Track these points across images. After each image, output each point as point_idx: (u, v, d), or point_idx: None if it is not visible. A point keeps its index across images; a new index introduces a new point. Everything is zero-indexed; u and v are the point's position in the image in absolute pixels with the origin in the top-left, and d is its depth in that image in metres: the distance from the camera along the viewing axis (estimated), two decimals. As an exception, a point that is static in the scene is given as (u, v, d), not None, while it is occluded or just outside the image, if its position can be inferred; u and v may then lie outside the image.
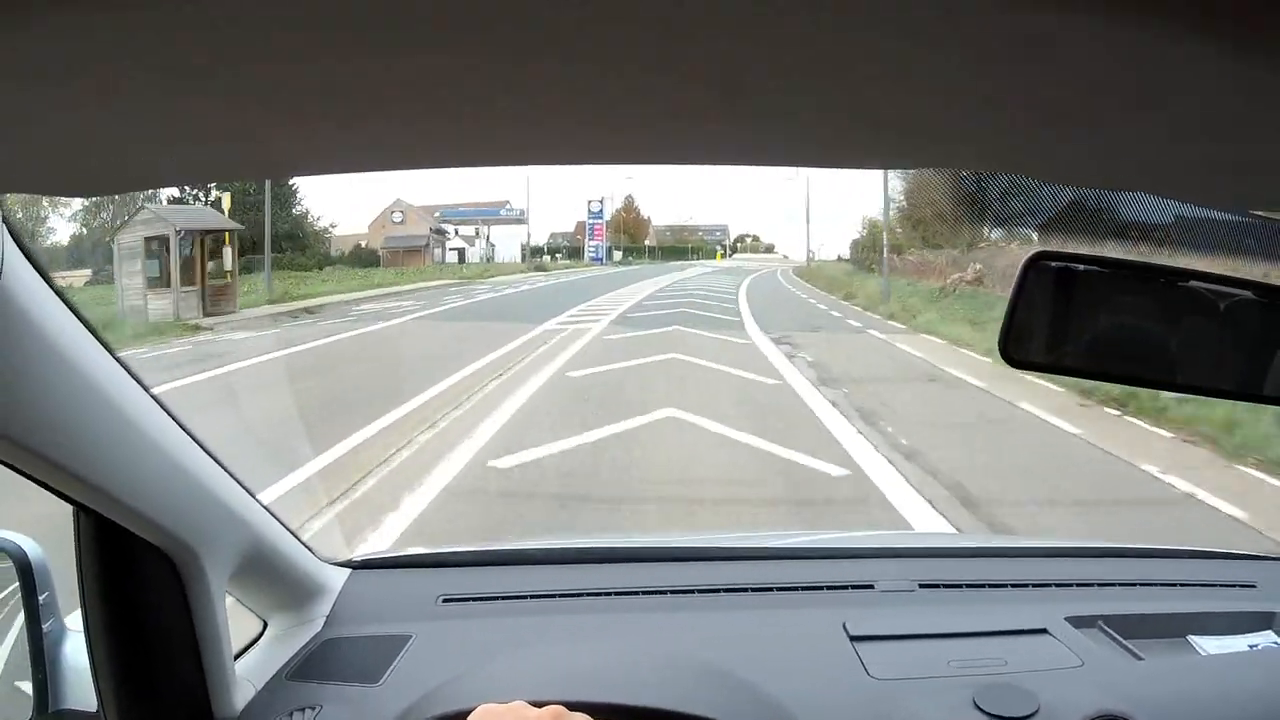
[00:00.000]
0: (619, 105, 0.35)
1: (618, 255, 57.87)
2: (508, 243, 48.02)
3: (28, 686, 0.83)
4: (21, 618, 0.83)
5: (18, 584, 0.83)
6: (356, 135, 0.39)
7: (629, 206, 67.77)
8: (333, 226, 38.77)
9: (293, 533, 1.06)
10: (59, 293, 0.65)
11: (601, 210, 54.77)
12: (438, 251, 41.57)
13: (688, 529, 3.69)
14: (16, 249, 0.61)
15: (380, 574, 1.25)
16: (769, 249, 73.57)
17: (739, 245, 73.91)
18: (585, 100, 0.34)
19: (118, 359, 0.72)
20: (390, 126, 0.37)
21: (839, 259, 41.59)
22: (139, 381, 0.74)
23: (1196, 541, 1.73)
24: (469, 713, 0.61)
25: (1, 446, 0.61)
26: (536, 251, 53.39)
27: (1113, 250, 0.79)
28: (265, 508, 0.97)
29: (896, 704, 0.91)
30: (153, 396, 0.76)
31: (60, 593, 0.85)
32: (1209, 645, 1.07)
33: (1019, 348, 0.76)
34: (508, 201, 48.06)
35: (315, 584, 1.13)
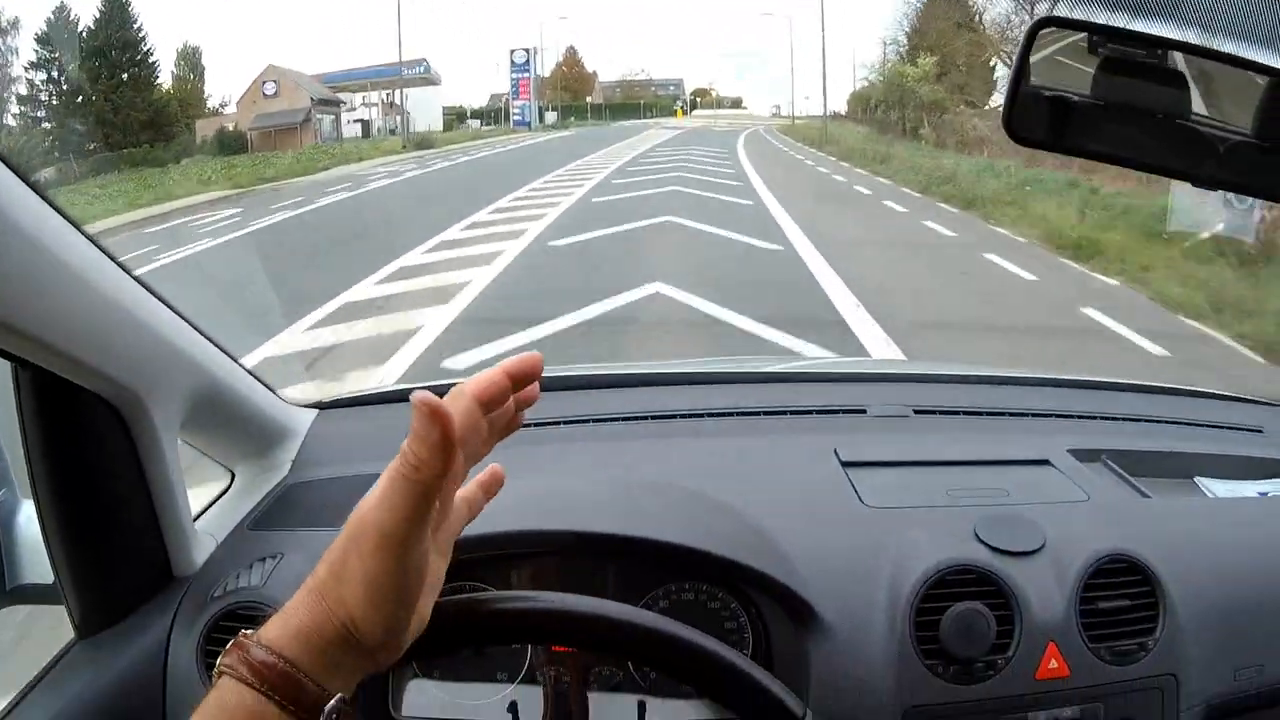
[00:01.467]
0: None
1: (550, 117, 55.20)
2: (428, 108, 45.30)
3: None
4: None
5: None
6: None
7: (570, 59, 65.62)
8: (223, 106, 36.79)
9: (254, 375, 1.13)
10: None
11: (528, 62, 51.77)
12: (328, 125, 38.60)
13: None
14: None
15: (349, 413, 1.34)
16: (735, 104, 72.20)
17: (698, 101, 72.76)
18: None
19: (45, 197, 0.74)
20: None
21: (834, 116, 40.29)
22: (70, 220, 0.77)
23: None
24: None
25: None
26: (461, 117, 50.86)
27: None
28: (221, 348, 1.02)
29: (892, 532, 0.99)
30: (84, 234, 0.79)
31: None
32: (1218, 488, 1.17)
33: (1023, 124, 0.83)
34: (423, 60, 44.49)
35: (280, 428, 1.20)
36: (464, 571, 0.92)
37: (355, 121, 39.90)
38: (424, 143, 33.99)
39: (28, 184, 0.72)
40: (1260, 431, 1.34)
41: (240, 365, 1.09)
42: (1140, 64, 0.82)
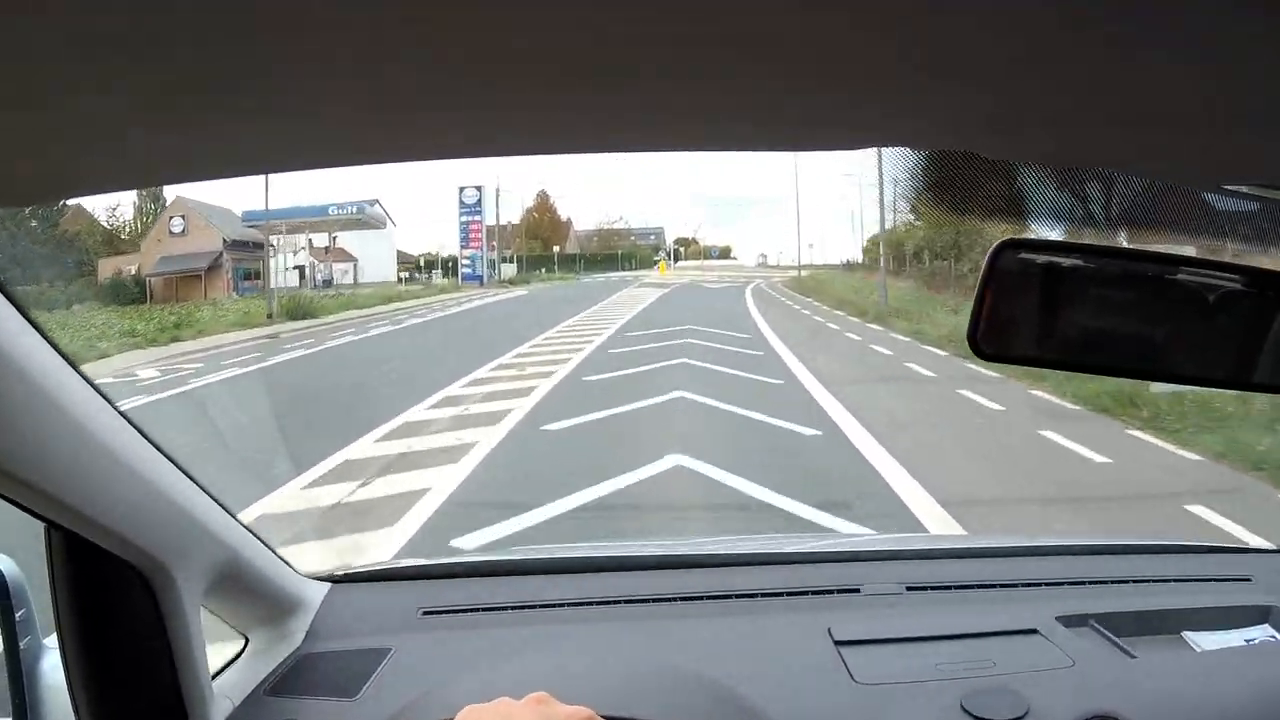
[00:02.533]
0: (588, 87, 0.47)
1: (509, 270, 53.09)
2: (379, 256, 44.11)
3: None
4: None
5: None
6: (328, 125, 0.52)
7: (543, 204, 65.80)
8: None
9: (270, 547, 1.33)
10: (18, 305, 0.83)
11: (479, 202, 48.61)
12: (248, 273, 35.25)
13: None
14: None
15: (360, 587, 1.54)
16: (724, 253, 72.78)
17: (681, 251, 73.54)
18: (552, 82, 0.45)
19: (80, 373, 0.92)
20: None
21: (846, 265, 41.18)
22: (104, 396, 0.95)
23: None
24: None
25: None
26: (422, 266, 49.33)
27: (1088, 237, 1.05)
28: (240, 523, 1.23)
29: (882, 709, 1.16)
30: (119, 411, 0.98)
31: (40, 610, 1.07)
32: (1204, 641, 1.36)
33: (990, 340, 0.96)
34: (375, 200, 42.30)
35: (294, 598, 1.40)
36: None
37: (293, 269, 36.76)
38: (299, 310, 25.69)
39: (64, 359, 0.89)
40: (1248, 580, 1.54)
41: (259, 539, 1.29)
42: (1105, 275, 0.97)
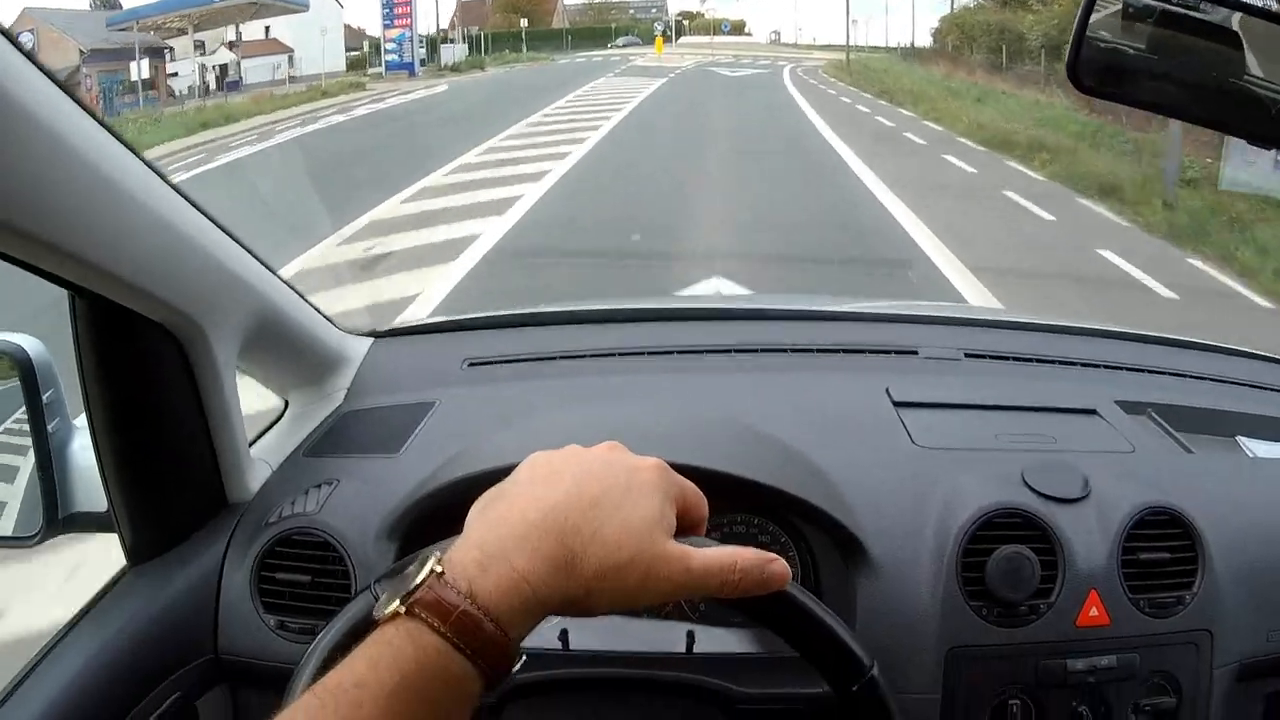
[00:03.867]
0: None
1: (457, 51, 46.84)
2: (317, 44, 39.55)
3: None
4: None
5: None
6: None
7: None
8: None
9: (309, 301, 1.43)
10: (34, 61, 0.85)
11: None
12: (127, 87, 33.20)
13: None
14: None
15: (404, 341, 1.68)
16: (737, 28, 69.79)
17: (685, 25, 71.03)
18: None
19: (103, 124, 0.96)
20: None
21: (897, 49, 38.68)
22: (129, 147, 1.00)
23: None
24: (494, 473, 0.81)
25: None
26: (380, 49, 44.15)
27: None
28: (277, 275, 1.32)
29: (942, 473, 1.28)
30: (144, 161, 1.03)
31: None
32: (1259, 449, 1.47)
33: (1086, 73, 1.09)
34: None
35: (335, 355, 1.52)
36: None
37: (216, 70, 35.28)
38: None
39: (87, 112, 0.92)
40: None
41: (298, 293, 1.39)
42: (1197, 21, 1.06)
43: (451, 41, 50.08)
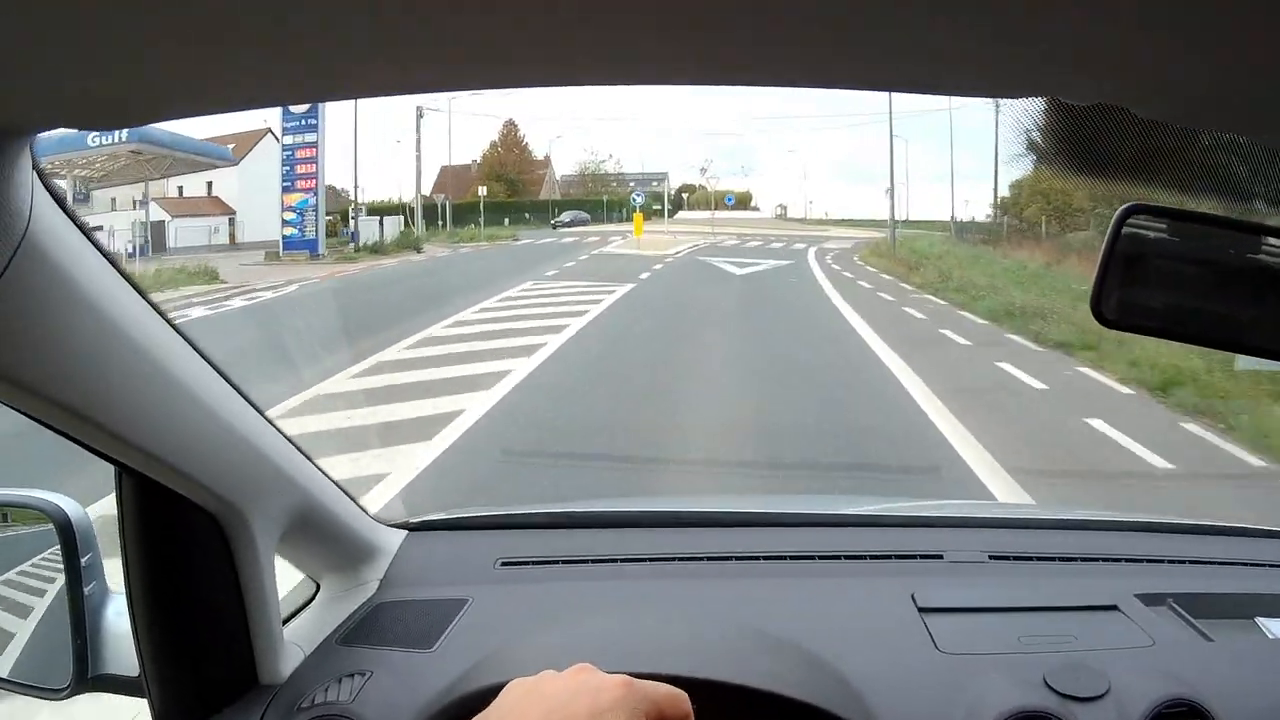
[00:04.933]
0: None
1: (372, 230, 38.66)
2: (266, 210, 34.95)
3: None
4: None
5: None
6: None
7: (510, 138, 61.85)
8: None
9: (347, 493, 1.64)
10: (92, 240, 0.99)
11: (313, 118, 34.35)
12: None
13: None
14: (48, 196, 0.93)
15: (437, 536, 1.90)
16: (742, 202, 67.10)
17: (684, 199, 69.01)
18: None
19: (158, 310, 1.12)
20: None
21: (957, 227, 33.66)
22: (182, 335, 1.19)
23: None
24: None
25: (41, 407, 0.99)
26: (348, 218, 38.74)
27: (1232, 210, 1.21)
28: (318, 467, 1.52)
29: (966, 678, 1.45)
30: (197, 350, 1.22)
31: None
32: (1276, 628, 1.66)
33: (1111, 307, 1.19)
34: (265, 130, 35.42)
35: (370, 546, 1.73)
36: None
37: (130, 229, 30.43)
38: None
39: (141, 295, 1.10)
40: None
41: (336, 484, 1.60)
42: (1239, 249, 1.17)
43: (378, 214, 43.51)
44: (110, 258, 1.02)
